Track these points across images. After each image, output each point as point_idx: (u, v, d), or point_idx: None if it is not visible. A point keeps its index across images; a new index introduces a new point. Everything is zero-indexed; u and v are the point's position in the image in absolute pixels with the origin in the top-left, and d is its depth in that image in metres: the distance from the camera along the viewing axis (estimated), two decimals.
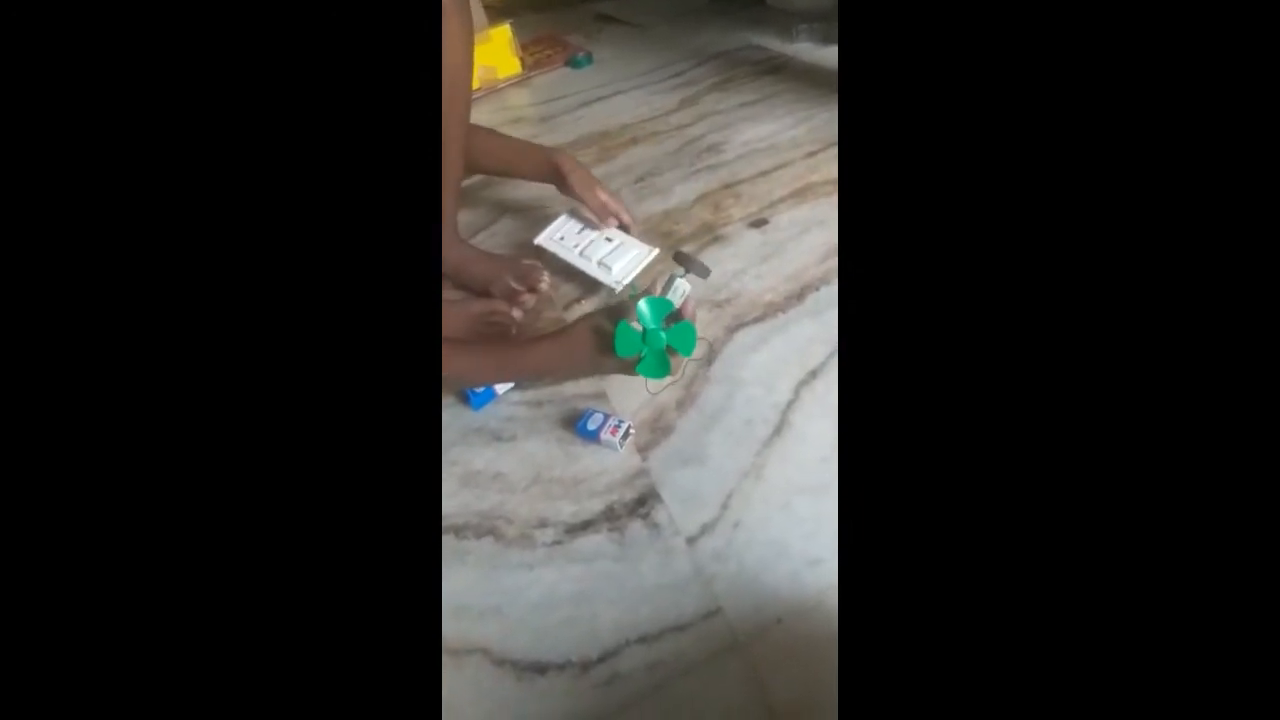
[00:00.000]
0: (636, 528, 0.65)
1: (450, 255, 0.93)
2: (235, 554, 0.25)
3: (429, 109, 0.31)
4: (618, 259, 0.91)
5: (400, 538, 0.26)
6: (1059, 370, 0.25)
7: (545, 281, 0.91)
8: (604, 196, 0.93)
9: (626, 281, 0.89)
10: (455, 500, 0.70)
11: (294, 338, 0.26)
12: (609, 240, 0.93)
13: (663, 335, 0.62)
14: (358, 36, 0.27)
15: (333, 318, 0.27)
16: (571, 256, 0.93)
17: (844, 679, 0.25)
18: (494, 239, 1.09)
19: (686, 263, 0.65)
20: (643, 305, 0.62)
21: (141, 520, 0.24)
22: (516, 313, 0.87)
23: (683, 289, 0.65)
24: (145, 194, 0.25)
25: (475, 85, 0.70)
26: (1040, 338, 0.25)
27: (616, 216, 0.94)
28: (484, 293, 0.92)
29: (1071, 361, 0.24)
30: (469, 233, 1.07)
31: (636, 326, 0.62)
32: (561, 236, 0.95)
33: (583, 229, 0.95)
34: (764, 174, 1.12)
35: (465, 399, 0.79)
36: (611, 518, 0.66)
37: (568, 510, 0.67)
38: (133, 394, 0.25)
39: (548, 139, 1.31)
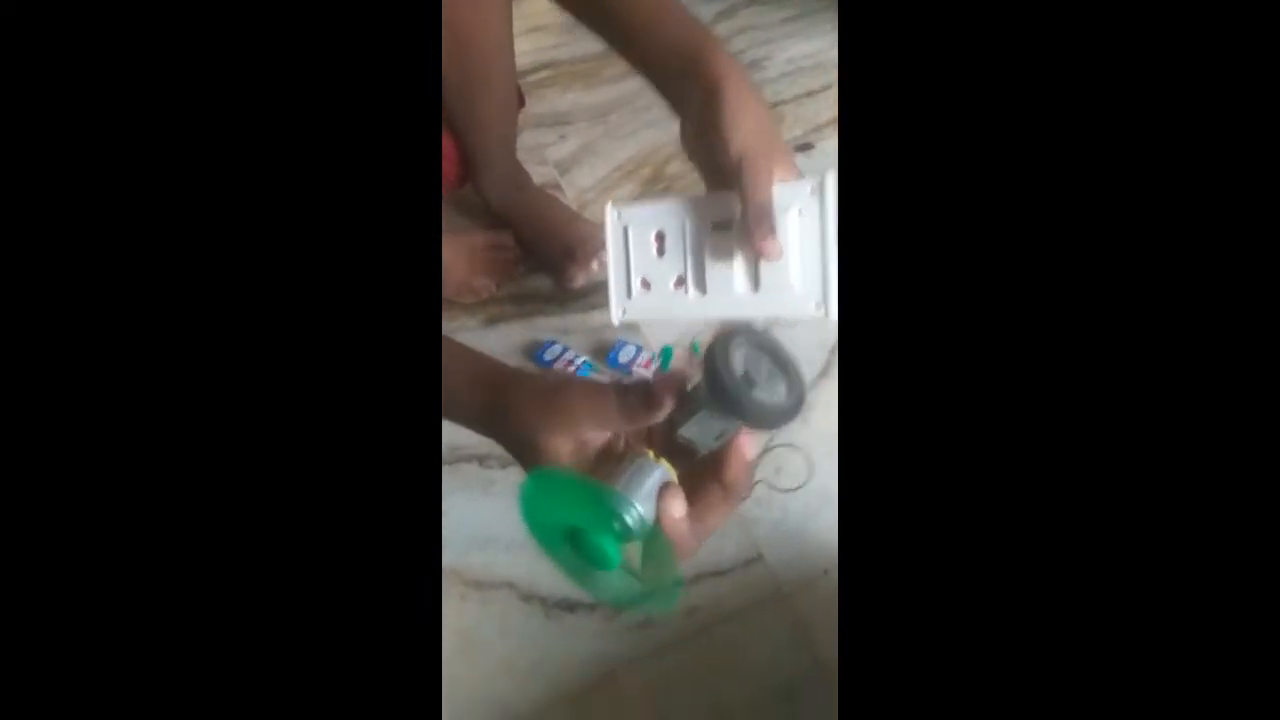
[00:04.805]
0: None
1: (506, 190, 0.79)
2: (230, 498, 0.23)
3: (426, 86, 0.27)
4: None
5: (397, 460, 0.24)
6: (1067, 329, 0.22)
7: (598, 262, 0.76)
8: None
9: None
10: None
11: (285, 294, 0.24)
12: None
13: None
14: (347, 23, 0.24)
15: (325, 271, 0.24)
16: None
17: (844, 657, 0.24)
18: None
19: (721, 394, 0.28)
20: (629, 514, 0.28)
21: (146, 462, 0.23)
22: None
23: (656, 480, 0.30)
24: (120, 156, 0.23)
25: None
26: (1051, 300, 0.22)
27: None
28: (541, 238, 0.79)
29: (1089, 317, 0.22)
30: None
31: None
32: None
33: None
34: (810, 94, 1.04)
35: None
36: None
37: None
38: (133, 358, 0.23)
39: (569, 50, 1.20)
